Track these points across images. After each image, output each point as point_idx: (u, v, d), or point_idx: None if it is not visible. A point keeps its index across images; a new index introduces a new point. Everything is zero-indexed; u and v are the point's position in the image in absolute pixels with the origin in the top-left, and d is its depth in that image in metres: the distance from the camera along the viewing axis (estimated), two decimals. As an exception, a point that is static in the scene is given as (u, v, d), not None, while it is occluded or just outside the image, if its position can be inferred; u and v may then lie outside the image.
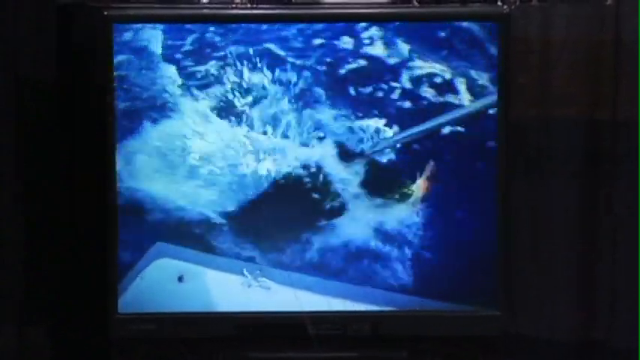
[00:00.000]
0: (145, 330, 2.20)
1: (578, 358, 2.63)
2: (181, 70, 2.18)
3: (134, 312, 2.21)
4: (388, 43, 2.17)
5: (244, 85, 2.17)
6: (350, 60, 2.18)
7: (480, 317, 2.24)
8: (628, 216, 2.54)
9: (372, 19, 2.20)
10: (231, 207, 2.18)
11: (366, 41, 2.18)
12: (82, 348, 2.42)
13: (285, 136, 2.18)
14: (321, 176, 2.18)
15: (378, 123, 2.18)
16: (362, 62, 2.18)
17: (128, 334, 2.20)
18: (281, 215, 2.20)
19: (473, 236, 2.23)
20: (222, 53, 2.17)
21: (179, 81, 2.18)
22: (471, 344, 2.25)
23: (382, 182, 2.20)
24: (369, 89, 2.18)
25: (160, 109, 2.18)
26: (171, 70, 2.18)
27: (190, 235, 2.19)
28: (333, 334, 2.19)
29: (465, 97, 2.19)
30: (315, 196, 2.19)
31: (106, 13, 2.20)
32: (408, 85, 2.18)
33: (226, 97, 2.18)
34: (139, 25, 2.18)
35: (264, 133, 2.18)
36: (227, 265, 2.19)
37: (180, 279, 2.20)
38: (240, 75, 2.17)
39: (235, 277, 2.20)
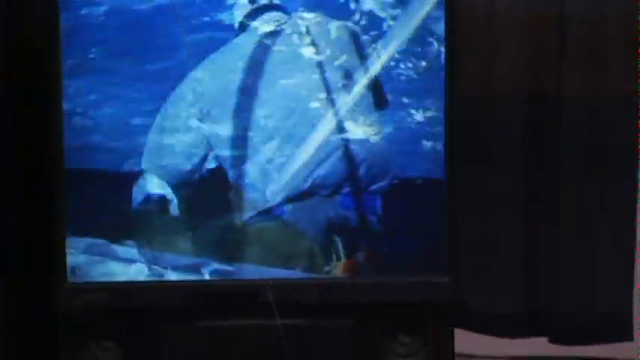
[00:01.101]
0: (93, 300, 2.20)
1: (522, 325, 2.71)
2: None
3: (82, 281, 2.21)
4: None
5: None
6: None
7: (427, 284, 2.25)
8: (571, 187, 2.62)
9: None
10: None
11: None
12: (27, 319, 2.41)
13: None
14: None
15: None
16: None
17: (77, 305, 2.20)
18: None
19: (422, 206, 2.24)
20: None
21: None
22: (418, 312, 2.27)
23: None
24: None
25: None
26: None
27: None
28: (280, 301, 2.20)
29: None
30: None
31: None
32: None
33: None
34: None
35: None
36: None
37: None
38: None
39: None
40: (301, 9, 2.18)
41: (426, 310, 2.27)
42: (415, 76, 2.20)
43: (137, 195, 2.21)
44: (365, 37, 2.19)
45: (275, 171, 2.20)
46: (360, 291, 2.24)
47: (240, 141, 2.20)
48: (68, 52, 2.17)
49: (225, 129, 2.19)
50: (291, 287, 2.22)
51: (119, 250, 2.22)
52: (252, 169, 2.20)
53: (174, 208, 2.21)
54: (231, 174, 2.20)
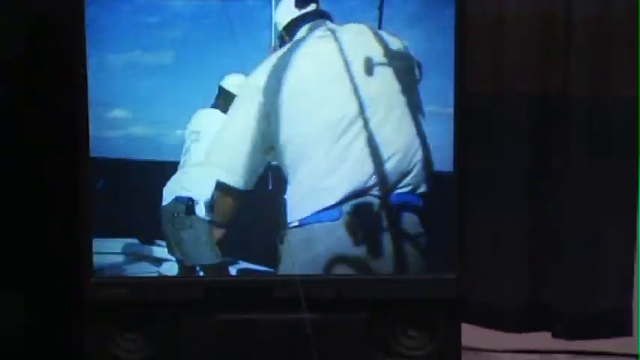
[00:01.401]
0: (117, 294, 2.26)
1: (526, 321, 2.75)
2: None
3: (107, 276, 2.27)
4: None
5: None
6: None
7: (436, 280, 2.30)
8: (575, 187, 2.64)
9: None
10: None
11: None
12: (56, 313, 2.48)
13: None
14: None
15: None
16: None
17: (102, 299, 2.25)
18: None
19: (431, 205, 2.28)
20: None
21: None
22: (427, 307, 2.32)
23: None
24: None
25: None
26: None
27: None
28: (298, 297, 2.24)
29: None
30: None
31: None
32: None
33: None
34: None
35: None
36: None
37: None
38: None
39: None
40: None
41: (435, 306, 2.32)
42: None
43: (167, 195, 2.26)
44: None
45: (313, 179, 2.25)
46: (373, 287, 2.29)
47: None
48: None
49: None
50: (309, 283, 2.27)
51: (150, 249, 2.30)
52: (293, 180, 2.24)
53: (199, 210, 2.27)
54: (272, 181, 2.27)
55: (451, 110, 2.24)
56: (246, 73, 2.21)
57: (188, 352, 2.27)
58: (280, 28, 2.22)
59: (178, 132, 2.24)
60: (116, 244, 2.28)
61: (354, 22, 2.22)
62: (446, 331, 2.35)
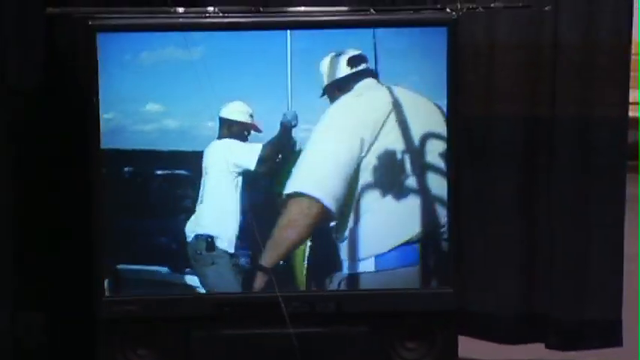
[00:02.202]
0: (127, 311, 2.28)
1: (520, 330, 2.73)
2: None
3: (119, 295, 2.30)
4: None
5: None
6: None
7: (433, 294, 2.33)
8: (563, 201, 2.66)
9: (336, 25, 2.30)
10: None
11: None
12: (71, 328, 2.51)
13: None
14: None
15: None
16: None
17: (114, 315, 2.28)
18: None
19: (428, 222, 2.31)
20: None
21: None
22: (426, 319, 2.34)
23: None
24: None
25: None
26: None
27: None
28: (302, 312, 2.27)
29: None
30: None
31: (90, 22, 2.24)
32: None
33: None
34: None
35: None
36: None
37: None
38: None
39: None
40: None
41: (432, 318, 2.34)
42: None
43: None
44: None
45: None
46: (371, 301, 2.31)
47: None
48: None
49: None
50: (310, 299, 2.31)
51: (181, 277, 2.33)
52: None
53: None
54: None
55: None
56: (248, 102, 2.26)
57: None
58: (328, 81, 2.27)
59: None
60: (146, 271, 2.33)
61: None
62: (443, 342, 2.36)
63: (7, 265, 2.44)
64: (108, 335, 2.30)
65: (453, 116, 2.29)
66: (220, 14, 2.30)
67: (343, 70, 2.27)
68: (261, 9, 2.36)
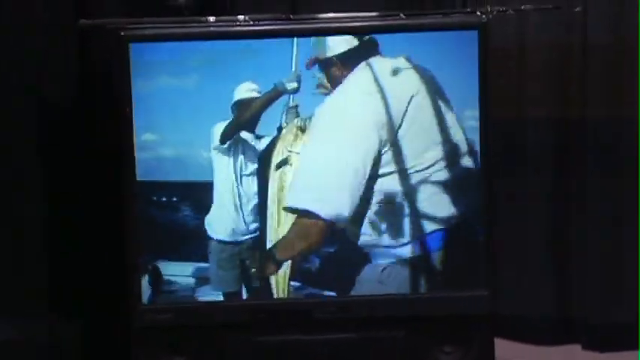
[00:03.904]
0: (163, 319, 2.25)
1: (556, 334, 2.70)
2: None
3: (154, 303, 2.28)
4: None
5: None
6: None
7: (469, 297, 2.27)
8: (595, 204, 2.62)
9: (365, 31, 2.23)
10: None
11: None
12: (107, 337, 2.50)
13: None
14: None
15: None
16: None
17: (149, 323, 2.25)
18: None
19: (462, 226, 2.26)
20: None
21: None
22: (461, 323, 2.29)
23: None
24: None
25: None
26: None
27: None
28: (335, 317, 2.24)
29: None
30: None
31: (122, 33, 2.22)
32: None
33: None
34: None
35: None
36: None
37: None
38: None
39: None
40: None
41: (468, 322, 2.29)
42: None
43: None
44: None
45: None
46: (408, 306, 2.27)
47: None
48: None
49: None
50: (347, 304, 2.26)
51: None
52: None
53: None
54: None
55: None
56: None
57: None
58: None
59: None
60: (187, 268, 2.29)
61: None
62: (480, 345, 2.31)
63: (42, 272, 2.44)
64: (143, 342, 2.27)
65: (484, 121, 2.22)
66: (251, 22, 2.25)
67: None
68: (292, 16, 2.32)
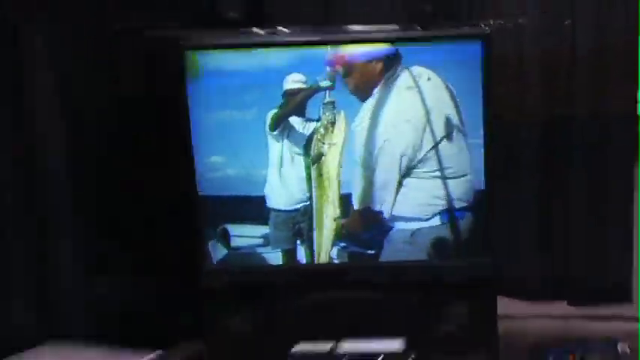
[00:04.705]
0: (228, 280, 2.60)
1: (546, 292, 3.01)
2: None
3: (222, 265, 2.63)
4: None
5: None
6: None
7: (476, 263, 2.60)
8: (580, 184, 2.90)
9: (388, 41, 2.55)
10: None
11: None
12: (178, 295, 2.83)
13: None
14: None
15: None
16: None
17: (217, 284, 2.59)
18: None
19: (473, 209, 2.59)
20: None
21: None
22: (471, 284, 2.61)
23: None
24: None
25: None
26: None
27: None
28: (369, 277, 2.59)
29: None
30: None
31: (181, 42, 2.53)
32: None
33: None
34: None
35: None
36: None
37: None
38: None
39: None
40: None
41: (477, 283, 2.61)
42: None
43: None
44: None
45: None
46: (424, 272, 2.60)
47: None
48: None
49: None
50: (379, 266, 2.59)
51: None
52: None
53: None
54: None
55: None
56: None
57: (286, 325, 2.60)
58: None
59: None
60: (255, 230, 2.63)
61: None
62: (485, 303, 2.65)
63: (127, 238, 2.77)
64: (210, 302, 2.61)
65: (488, 125, 2.52)
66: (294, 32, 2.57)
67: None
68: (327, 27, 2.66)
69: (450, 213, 2.59)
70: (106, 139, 2.76)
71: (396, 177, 2.57)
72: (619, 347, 2.76)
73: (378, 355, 2.55)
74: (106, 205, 2.77)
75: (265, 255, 2.65)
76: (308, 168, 2.61)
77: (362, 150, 2.58)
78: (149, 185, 2.78)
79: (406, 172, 2.57)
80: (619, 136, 2.84)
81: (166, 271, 2.80)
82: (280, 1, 2.87)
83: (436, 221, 2.59)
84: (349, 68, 2.54)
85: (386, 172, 2.58)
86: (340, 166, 2.59)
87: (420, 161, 2.57)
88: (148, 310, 2.79)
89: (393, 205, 2.59)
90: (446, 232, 2.59)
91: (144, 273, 2.81)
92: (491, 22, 2.59)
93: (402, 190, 2.58)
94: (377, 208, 2.59)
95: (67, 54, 2.68)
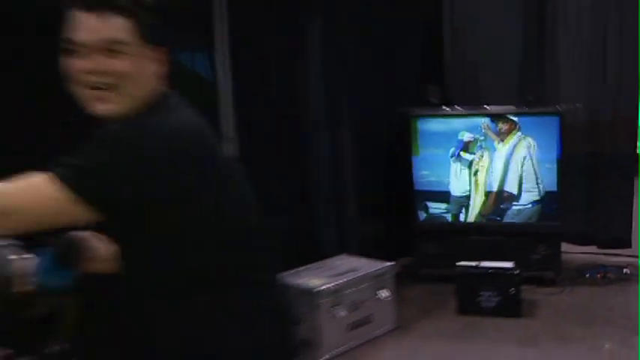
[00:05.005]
0: (428, 232, 5.16)
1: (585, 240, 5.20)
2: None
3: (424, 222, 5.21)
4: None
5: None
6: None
7: (550, 226, 4.97)
8: None
9: (509, 113, 5.06)
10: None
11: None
12: (397, 237, 5.25)
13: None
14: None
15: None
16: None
17: (425, 232, 5.18)
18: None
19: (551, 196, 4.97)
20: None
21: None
22: (547, 236, 4.92)
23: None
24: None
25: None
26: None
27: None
28: (496, 230, 5.07)
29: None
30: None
31: (409, 113, 5.10)
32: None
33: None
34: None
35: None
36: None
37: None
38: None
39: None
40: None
41: (550, 236, 4.87)
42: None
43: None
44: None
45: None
46: (525, 228, 5.04)
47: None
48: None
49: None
50: (498, 226, 5.11)
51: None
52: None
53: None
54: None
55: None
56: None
57: (453, 252, 5.03)
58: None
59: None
60: (441, 205, 5.16)
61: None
62: (555, 245, 4.87)
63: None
64: (418, 237, 5.12)
65: (561, 159, 4.90)
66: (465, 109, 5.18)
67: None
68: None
69: (539, 202, 5.08)
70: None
71: (515, 184, 5.11)
72: (605, 348, 3.69)
73: (501, 268, 4.84)
74: (368, 194, 5.28)
75: (445, 216, 5.21)
76: (469, 177, 5.23)
77: (497, 170, 5.16)
78: (390, 183, 5.38)
79: (519, 182, 5.14)
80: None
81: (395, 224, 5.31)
82: (457, 92, 5.36)
83: (531, 204, 5.08)
84: (491, 130, 5.14)
85: (509, 181, 5.11)
86: (486, 176, 5.19)
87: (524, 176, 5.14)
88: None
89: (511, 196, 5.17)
90: (536, 210, 5.09)
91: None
92: (564, 105, 4.95)
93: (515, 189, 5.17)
94: (502, 197, 5.13)
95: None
